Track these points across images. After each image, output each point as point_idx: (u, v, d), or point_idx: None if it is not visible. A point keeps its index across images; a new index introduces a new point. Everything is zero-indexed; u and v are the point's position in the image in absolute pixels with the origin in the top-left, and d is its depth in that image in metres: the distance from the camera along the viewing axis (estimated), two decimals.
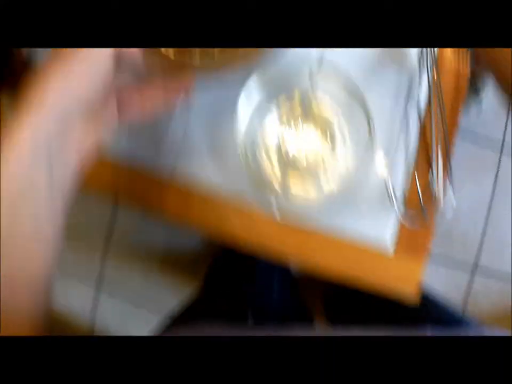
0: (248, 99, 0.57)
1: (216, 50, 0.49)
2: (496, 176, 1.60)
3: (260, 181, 0.58)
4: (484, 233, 1.59)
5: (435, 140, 0.59)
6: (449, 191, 0.58)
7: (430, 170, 0.59)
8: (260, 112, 0.59)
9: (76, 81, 0.40)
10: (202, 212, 0.61)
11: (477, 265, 1.58)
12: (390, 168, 0.59)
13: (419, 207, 0.58)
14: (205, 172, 0.61)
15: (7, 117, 0.41)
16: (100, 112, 0.44)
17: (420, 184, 0.59)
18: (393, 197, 0.58)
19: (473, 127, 1.57)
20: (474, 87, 1.45)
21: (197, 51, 0.49)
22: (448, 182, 0.59)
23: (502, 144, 1.59)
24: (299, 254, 0.61)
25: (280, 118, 0.60)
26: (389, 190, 0.58)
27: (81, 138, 0.43)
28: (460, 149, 1.59)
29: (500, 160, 1.60)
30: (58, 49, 0.41)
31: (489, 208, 1.60)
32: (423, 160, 0.60)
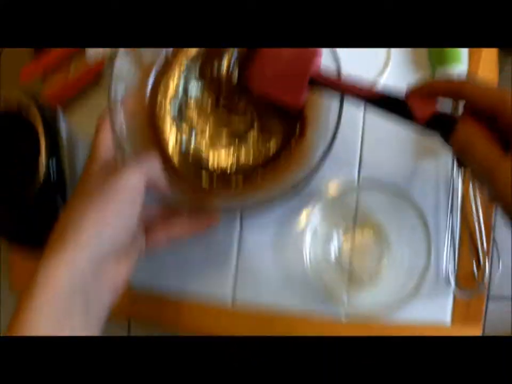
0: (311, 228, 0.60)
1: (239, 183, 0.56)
2: None
3: (326, 294, 0.61)
4: None
5: (477, 220, 0.63)
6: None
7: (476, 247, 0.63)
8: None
9: (110, 222, 0.41)
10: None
11: None
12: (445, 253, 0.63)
13: (473, 282, 0.63)
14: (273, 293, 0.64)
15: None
16: (130, 248, 0.45)
17: (473, 260, 0.63)
18: (450, 279, 0.62)
19: None
20: None
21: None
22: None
23: None
24: None
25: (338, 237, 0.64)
26: (446, 273, 0.62)
27: (114, 275, 0.43)
28: None
29: None
30: (87, 184, 0.44)
31: None
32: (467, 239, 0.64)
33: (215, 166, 0.58)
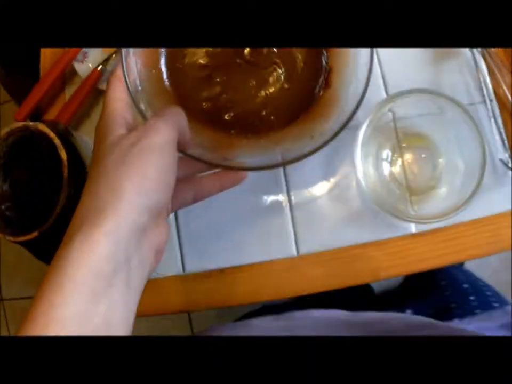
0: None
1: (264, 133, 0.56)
2: None
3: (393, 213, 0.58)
4: None
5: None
6: None
7: None
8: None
9: (153, 178, 0.37)
10: None
11: None
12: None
13: None
14: None
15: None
16: (165, 210, 0.42)
17: None
18: (508, 164, 0.61)
19: None
20: None
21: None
22: None
23: None
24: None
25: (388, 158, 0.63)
26: (502, 161, 0.61)
27: (155, 240, 0.39)
28: None
29: None
30: (111, 145, 0.39)
31: None
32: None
33: (241, 115, 0.57)
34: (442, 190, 0.61)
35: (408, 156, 0.63)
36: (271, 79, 0.57)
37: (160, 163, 0.37)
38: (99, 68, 0.65)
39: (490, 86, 0.64)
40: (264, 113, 0.57)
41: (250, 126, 0.57)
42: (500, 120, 0.62)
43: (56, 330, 0.30)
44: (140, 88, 0.49)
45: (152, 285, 0.59)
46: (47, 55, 0.70)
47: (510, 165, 0.61)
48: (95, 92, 0.66)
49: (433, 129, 0.62)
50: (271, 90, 0.57)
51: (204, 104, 0.57)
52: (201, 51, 0.57)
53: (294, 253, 0.62)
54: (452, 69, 0.65)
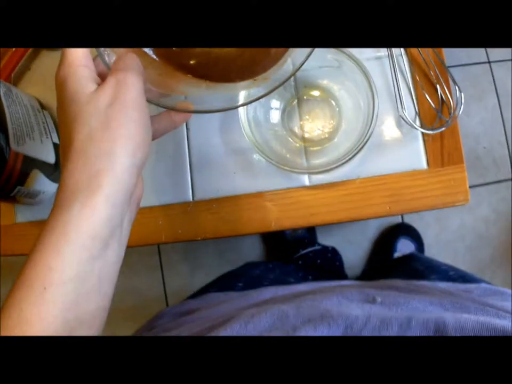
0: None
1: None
2: (495, 85, 1.55)
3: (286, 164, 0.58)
4: (508, 145, 1.53)
5: (425, 55, 0.61)
6: (455, 94, 0.60)
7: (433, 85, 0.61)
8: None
9: (139, 134, 0.38)
10: None
11: None
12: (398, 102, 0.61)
13: (434, 115, 0.61)
14: None
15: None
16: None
17: (428, 98, 0.60)
18: (409, 121, 0.59)
19: (451, 50, 1.55)
20: None
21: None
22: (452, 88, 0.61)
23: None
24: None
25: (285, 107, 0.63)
26: (405, 118, 0.60)
27: (138, 192, 0.43)
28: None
29: (491, 70, 1.56)
30: (85, 103, 0.38)
31: (503, 120, 1.53)
32: (422, 80, 0.62)
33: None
34: (339, 142, 0.60)
35: (306, 108, 0.62)
36: None
37: (139, 118, 0.38)
38: None
39: None
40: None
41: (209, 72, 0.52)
42: (400, 77, 0.61)
43: (55, 295, 0.32)
44: None
45: None
46: None
47: (408, 122, 0.59)
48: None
49: (332, 81, 0.61)
50: None
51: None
52: None
53: (190, 197, 0.63)
54: None
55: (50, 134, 0.64)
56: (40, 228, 0.53)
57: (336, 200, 0.61)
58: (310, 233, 1.46)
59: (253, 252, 1.55)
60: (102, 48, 0.43)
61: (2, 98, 0.57)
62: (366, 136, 0.55)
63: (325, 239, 1.50)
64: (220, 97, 0.49)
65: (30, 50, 0.70)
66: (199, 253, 1.58)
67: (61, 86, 0.39)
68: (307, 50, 0.46)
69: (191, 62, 0.49)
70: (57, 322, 0.32)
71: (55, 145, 0.64)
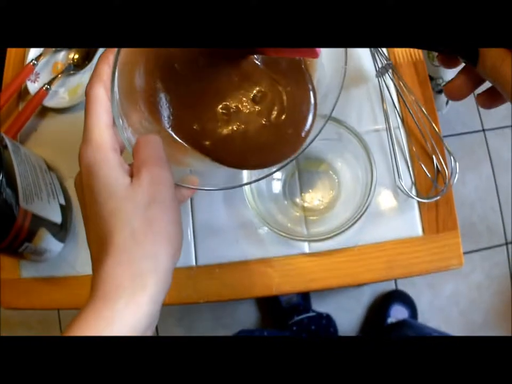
0: None
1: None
2: (489, 153, 1.60)
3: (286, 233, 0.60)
4: (501, 211, 1.57)
5: (421, 127, 0.65)
6: (450, 164, 0.63)
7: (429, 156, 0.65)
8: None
9: (177, 253, 0.40)
10: None
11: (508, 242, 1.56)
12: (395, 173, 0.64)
13: (430, 184, 0.64)
14: None
15: None
16: None
17: (425, 168, 0.64)
18: (406, 190, 0.62)
19: (448, 119, 1.61)
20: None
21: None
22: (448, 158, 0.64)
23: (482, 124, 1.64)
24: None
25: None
26: (401, 188, 0.63)
27: None
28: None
29: (486, 138, 1.62)
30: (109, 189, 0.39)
31: (497, 187, 1.58)
32: (419, 151, 0.65)
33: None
34: (338, 212, 0.62)
35: (306, 179, 0.65)
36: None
37: (176, 219, 0.40)
38: (45, 87, 0.72)
39: (397, 113, 0.66)
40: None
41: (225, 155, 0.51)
42: (397, 148, 0.64)
43: None
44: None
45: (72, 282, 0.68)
46: (9, 74, 0.79)
47: (405, 191, 0.61)
48: (41, 108, 0.74)
49: (332, 154, 0.64)
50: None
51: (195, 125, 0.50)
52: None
53: (193, 262, 0.65)
54: (360, 95, 0.67)
55: (57, 196, 0.67)
56: (44, 284, 0.60)
57: (334, 267, 0.63)
58: (304, 300, 1.47)
59: (247, 317, 1.55)
60: (121, 122, 0.43)
61: (12, 156, 0.60)
62: (364, 206, 0.57)
63: (319, 306, 1.50)
64: (224, 172, 0.51)
65: (37, 111, 0.74)
66: (194, 317, 1.57)
67: (90, 172, 0.39)
68: (319, 126, 0.47)
69: (207, 143, 0.49)
70: None
71: (61, 206, 0.67)
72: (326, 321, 1.40)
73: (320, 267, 0.63)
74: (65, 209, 0.68)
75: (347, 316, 1.51)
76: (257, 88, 0.49)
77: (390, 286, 1.52)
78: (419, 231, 0.63)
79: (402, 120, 0.66)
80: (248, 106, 0.49)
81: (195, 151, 0.49)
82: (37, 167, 0.65)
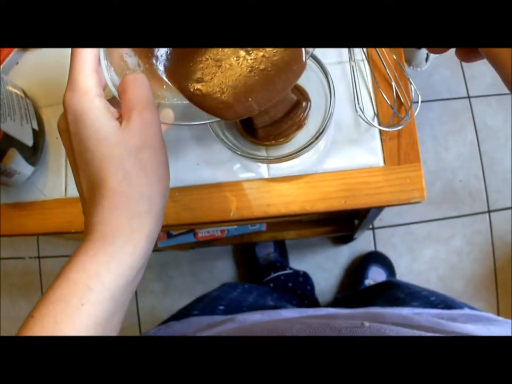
0: None
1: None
2: (474, 119, 1.60)
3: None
4: (485, 179, 1.57)
5: (384, 59, 0.64)
6: (412, 91, 0.63)
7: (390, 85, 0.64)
8: None
9: (166, 191, 0.42)
10: None
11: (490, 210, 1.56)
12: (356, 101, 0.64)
13: (391, 113, 0.64)
14: None
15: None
16: None
17: (385, 96, 0.63)
18: (366, 118, 0.62)
19: (433, 85, 1.60)
20: None
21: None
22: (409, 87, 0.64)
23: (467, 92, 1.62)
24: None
25: None
26: (362, 116, 0.62)
27: None
28: (431, 109, 1.61)
29: (471, 105, 1.61)
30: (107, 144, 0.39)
31: (480, 153, 1.58)
32: (382, 83, 0.65)
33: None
34: (297, 138, 0.62)
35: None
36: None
37: (165, 160, 0.42)
38: None
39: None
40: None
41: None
42: (360, 80, 0.65)
43: (91, 311, 0.36)
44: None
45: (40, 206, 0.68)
46: None
47: (365, 119, 0.61)
48: None
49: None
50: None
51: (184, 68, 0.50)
52: None
53: None
54: None
55: (31, 120, 0.67)
56: (12, 209, 0.64)
57: (293, 192, 0.63)
58: (282, 257, 1.48)
59: (225, 274, 1.56)
60: (106, 62, 0.43)
61: None
62: (321, 129, 0.57)
63: (297, 264, 1.51)
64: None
65: None
66: (172, 272, 1.58)
67: (78, 120, 0.39)
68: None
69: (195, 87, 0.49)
70: (88, 334, 0.35)
71: (34, 131, 0.67)
72: (303, 279, 1.41)
73: (279, 192, 0.63)
74: (38, 135, 0.68)
75: (324, 275, 1.52)
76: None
77: (369, 247, 1.53)
78: (380, 161, 0.63)
79: (367, 54, 0.65)
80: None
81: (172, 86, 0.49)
82: (13, 92, 0.65)
